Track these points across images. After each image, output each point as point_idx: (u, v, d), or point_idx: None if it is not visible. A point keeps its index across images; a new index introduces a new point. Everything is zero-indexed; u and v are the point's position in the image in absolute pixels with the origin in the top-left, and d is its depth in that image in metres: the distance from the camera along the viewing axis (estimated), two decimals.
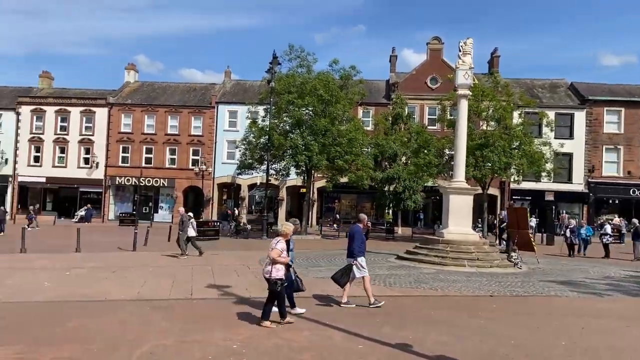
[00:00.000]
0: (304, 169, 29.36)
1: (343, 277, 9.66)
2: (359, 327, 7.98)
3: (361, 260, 9.79)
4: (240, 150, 32.15)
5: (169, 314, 8.98)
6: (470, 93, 19.14)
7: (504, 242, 22.91)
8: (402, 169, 31.39)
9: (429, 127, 35.21)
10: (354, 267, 9.74)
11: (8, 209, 39.35)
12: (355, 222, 10.36)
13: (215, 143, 41.54)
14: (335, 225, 35.64)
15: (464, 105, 17.76)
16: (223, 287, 11.69)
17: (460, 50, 17.36)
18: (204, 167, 39.48)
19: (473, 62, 17.53)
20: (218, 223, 27.96)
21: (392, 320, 8.70)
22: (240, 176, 37.68)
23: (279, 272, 7.96)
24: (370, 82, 39.08)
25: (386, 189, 32.94)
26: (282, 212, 41.06)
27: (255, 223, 32.69)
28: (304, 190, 33.49)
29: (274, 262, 7.94)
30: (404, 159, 32.78)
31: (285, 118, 29.02)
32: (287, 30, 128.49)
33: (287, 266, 8.27)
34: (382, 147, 31.38)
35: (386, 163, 34.03)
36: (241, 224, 29.36)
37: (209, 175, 40.63)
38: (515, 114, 30.07)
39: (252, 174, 32.64)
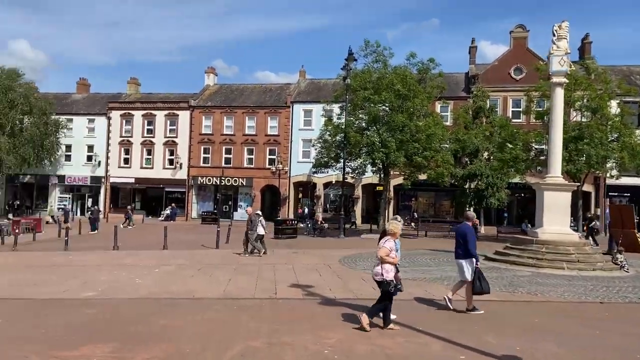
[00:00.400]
0: (380, 166, 28.73)
1: (482, 283, 8.88)
2: (458, 335, 7.35)
3: (471, 262, 9.03)
4: (316, 149, 32.09)
5: (255, 313, 8.83)
6: (567, 81, 17.62)
7: (593, 242, 21.08)
8: (484, 165, 29.84)
9: (513, 120, 33.28)
10: (465, 268, 8.97)
11: (101, 208, 41.95)
12: (463, 221, 9.57)
13: (291, 142, 41.89)
14: (412, 224, 34.65)
15: (559, 94, 16.37)
16: (306, 286, 11.45)
17: (554, 35, 15.98)
18: (280, 166, 39.90)
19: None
20: (296, 222, 27.99)
21: (493, 328, 7.98)
22: (315, 175, 37.67)
23: (388, 273, 7.45)
24: (447, 76, 37.52)
25: (467, 186, 31.51)
26: (357, 210, 40.63)
27: (331, 222, 32.49)
28: (381, 188, 32.82)
29: (382, 262, 7.46)
30: (485, 154, 31.16)
31: (361, 115, 28.54)
32: (357, 29, 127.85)
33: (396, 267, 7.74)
34: (462, 142, 29.99)
35: (467, 159, 32.54)
36: (319, 223, 29.23)
37: (285, 174, 41.02)
38: (613, 103, 27.59)
39: (328, 172, 32.44)
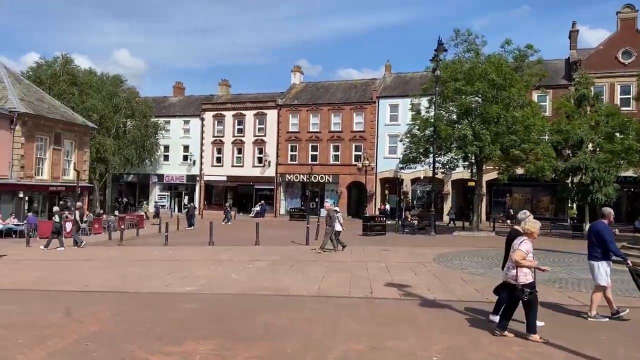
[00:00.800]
0: (473, 160, 27.37)
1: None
2: (582, 345, 6.53)
3: (606, 264, 8.10)
4: (403, 144, 31.28)
5: (353, 313, 8.52)
6: None
7: None
8: (589, 158, 27.36)
9: (621, 108, 30.30)
10: (600, 271, 8.06)
11: (196, 205, 44.03)
12: (599, 219, 8.58)
13: (377, 138, 41.31)
14: (508, 221, 32.70)
15: None
16: (402, 286, 10.96)
17: None
18: (366, 162, 39.46)
19: None
20: (384, 218, 27.43)
21: (625, 339, 7.04)
22: (402, 170, 36.77)
23: (527, 276, 6.73)
24: (545, 63, 34.95)
25: (569, 180, 29.12)
26: (446, 206, 39.19)
27: (419, 219, 31.51)
28: (473, 183, 31.31)
29: (518, 265, 6.82)
30: (590, 146, 28.57)
31: (451, 107, 27.36)
32: (442, 21, 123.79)
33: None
34: (565, 133, 27.72)
35: (569, 151, 30.07)
36: (408, 220, 28.45)
37: (371, 171, 40.52)
38: None
39: (415, 167, 31.53)
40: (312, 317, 8.20)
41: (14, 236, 23.88)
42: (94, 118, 38.07)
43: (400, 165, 31.67)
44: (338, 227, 17.82)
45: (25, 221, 23.33)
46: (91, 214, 30.51)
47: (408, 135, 29.12)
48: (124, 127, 43.96)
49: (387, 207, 38.92)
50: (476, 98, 26.04)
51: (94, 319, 8.03)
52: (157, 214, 39.04)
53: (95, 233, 26.55)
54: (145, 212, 33.93)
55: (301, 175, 43.27)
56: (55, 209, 21.61)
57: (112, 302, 9.47)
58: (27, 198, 27.38)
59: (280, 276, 12.39)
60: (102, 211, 36.47)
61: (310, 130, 43.74)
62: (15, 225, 24.77)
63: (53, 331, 7.21)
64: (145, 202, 45.78)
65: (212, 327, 7.49)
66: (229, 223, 34.79)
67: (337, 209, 18.94)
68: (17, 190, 26.72)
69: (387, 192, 42.72)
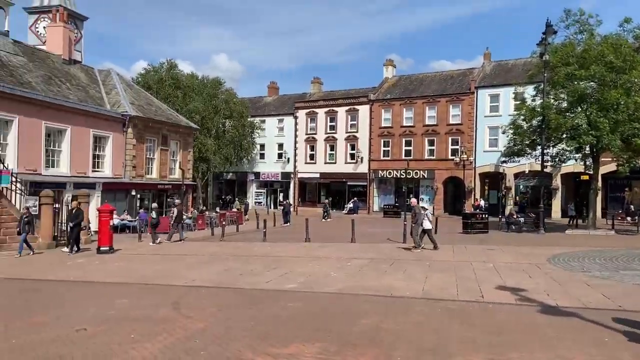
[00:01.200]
0: (587, 152, 24.94)
1: None
2: None
3: None
4: (506, 136, 29.32)
5: (464, 319, 7.82)
6: None
7: None
8: None
9: None
10: None
11: (291, 202, 44.77)
12: None
13: (476, 131, 39.31)
14: (628, 218, 29.50)
15: None
16: (517, 290, 9.99)
17: None
18: (464, 156, 37.68)
19: None
20: (487, 215, 25.86)
21: None
22: (504, 164, 34.65)
23: None
24: None
25: None
26: (555, 203, 36.31)
27: (525, 215, 29.35)
28: (586, 177, 28.65)
29: None
30: None
31: (562, 95, 25.09)
32: (546, 2, 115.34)
33: None
34: None
35: None
36: (513, 217, 26.62)
37: (469, 165, 38.66)
38: None
39: (519, 161, 29.42)
40: (421, 322, 7.63)
41: (127, 231, 25.65)
42: (196, 119, 40.03)
43: (503, 159, 29.78)
44: (427, 225, 17.09)
45: (137, 217, 24.94)
46: (195, 211, 32.09)
47: (511, 126, 27.20)
48: (223, 128, 45.83)
49: (483, 203, 36.73)
50: (591, 83, 23.64)
51: (201, 314, 8.10)
52: (245, 211, 40.09)
53: (199, 229, 27.83)
54: (238, 209, 35.13)
55: (394, 171, 42.41)
56: (154, 205, 22.97)
57: (217, 297, 9.57)
58: (138, 196, 29.36)
59: (381, 275, 11.92)
60: (204, 208, 38.28)
61: (404, 124, 42.69)
62: (129, 221, 26.62)
63: (162, 326, 7.33)
64: (237, 199, 47.37)
65: (316, 328, 7.21)
66: (329, 220, 35.03)
67: (424, 205, 18.23)
68: (129, 188, 28.74)
69: (486, 187, 40.55)
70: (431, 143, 41.58)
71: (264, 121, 50.35)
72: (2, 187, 18.31)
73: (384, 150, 43.78)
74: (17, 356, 6.00)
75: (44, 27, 29.64)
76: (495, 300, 9.24)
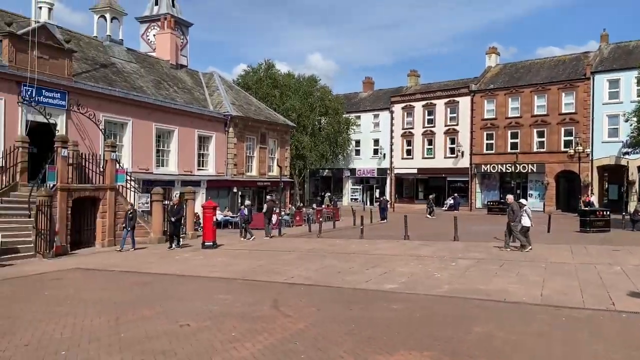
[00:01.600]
0: None
1: None
2: None
3: None
4: (631, 125, 26.30)
5: (594, 330, 6.83)
6: None
7: None
8: None
9: None
10: None
11: (388, 198, 43.92)
12: None
13: (592, 120, 35.76)
14: None
15: None
16: None
17: None
18: (579, 148, 34.43)
19: None
20: (609, 212, 23.25)
21: None
22: (626, 156, 31.20)
23: None
24: None
25: None
26: None
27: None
28: None
29: None
30: None
31: None
32: None
33: None
34: None
35: None
36: (639, 214, 23.75)
37: (585, 158, 35.21)
38: None
39: None
40: (544, 332, 6.74)
41: (229, 227, 26.56)
42: (293, 117, 40.63)
43: (625, 150, 26.90)
44: (527, 222, 15.73)
45: (238, 214, 25.73)
46: (293, 207, 32.52)
47: (635, 113, 24.34)
48: (318, 125, 46.11)
49: (593, 199, 32.86)
50: None
51: (300, 314, 7.85)
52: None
53: (297, 225, 28.12)
54: (327, 206, 34.95)
55: (499, 165, 39.94)
56: (246, 202, 23.43)
57: (315, 296, 9.30)
58: (239, 193, 30.36)
59: (491, 277, 10.97)
60: (301, 204, 38.76)
61: (509, 115, 40.00)
62: (231, 217, 27.57)
63: (262, 325, 7.16)
64: (327, 195, 47.19)
65: (424, 335, 6.63)
66: (434, 216, 33.88)
67: (523, 201, 16.93)
68: (231, 186, 29.80)
69: (605, 181, 36.79)
70: (541, 134, 38.52)
71: (359, 117, 49.95)
72: (119, 185, 19.68)
73: (487, 144, 41.39)
74: (124, 350, 6.10)
75: (154, 35, 31.67)
76: (629, 309, 8.04)
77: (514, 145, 39.66)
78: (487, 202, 39.85)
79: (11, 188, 16.99)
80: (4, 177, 17.01)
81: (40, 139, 18.51)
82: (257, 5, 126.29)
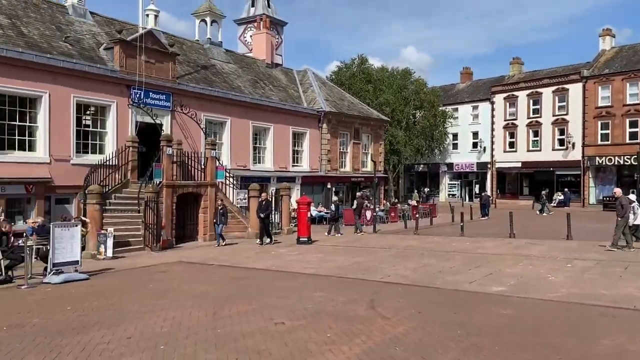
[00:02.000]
0: None
1: None
2: None
3: None
4: None
5: None
6: None
7: None
8: None
9: None
10: None
11: (489, 193, 41.65)
12: None
13: None
14: None
15: None
16: None
17: None
18: None
19: None
20: None
21: None
22: None
23: None
24: None
25: None
26: None
27: None
28: None
29: None
30: None
31: None
32: None
33: None
34: None
35: None
36: None
37: None
38: None
39: None
40: None
41: (324, 223, 26.56)
42: (387, 111, 39.88)
43: None
44: (637, 220, 14.14)
45: (331, 209, 25.61)
46: (387, 203, 31.86)
47: None
48: (413, 119, 44.90)
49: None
50: None
51: (398, 316, 7.37)
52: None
53: (392, 221, 27.47)
54: (417, 202, 33.49)
55: (616, 157, 36.23)
56: (334, 198, 23.16)
57: (414, 297, 8.75)
58: (333, 188, 30.29)
59: (615, 281, 9.70)
60: (396, 200, 37.91)
61: (628, 102, 36.08)
62: (325, 212, 27.57)
63: (359, 327, 6.79)
64: (416, 190, 45.47)
65: (541, 345, 5.86)
66: (549, 213, 30.74)
67: (632, 197, 14.97)
68: (325, 181, 29.83)
69: None
70: None
71: (456, 109, 47.89)
72: (219, 182, 20.38)
73: (601, 134, 37.69)
74: (220, 348, 6.03)
75: (251, 36, 32.58)
76: None
77: (633, 135, 35.73)
78: (603, 197, 36.27)
79: (123, 185, 18.21)
80: (116, 175, 18.27)
81: (148, 138, 19.65)
82: (350, 1, 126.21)
